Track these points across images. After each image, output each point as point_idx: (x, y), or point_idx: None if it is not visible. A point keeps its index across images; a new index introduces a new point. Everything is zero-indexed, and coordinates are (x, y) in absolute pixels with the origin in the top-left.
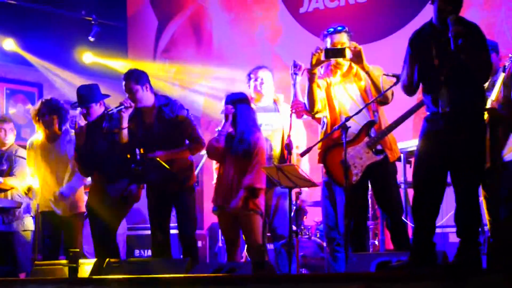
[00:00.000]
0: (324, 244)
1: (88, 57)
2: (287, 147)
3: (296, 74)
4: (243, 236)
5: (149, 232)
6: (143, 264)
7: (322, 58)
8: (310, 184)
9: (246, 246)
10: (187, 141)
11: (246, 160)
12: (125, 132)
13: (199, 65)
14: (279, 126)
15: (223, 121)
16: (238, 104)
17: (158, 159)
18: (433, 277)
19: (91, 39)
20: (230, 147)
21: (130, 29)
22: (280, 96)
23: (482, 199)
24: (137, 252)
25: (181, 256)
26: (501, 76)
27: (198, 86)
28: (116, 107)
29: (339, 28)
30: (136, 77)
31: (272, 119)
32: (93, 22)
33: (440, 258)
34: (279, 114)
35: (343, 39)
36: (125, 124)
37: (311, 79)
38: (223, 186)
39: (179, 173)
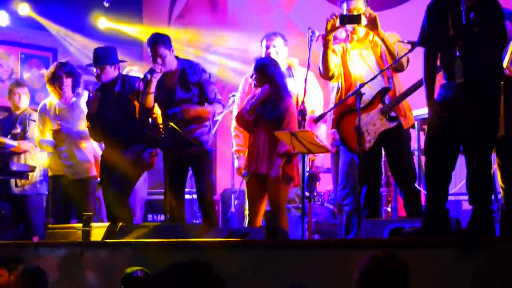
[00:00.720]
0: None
1: (103, 22)
2: (301, 113)
3: (311, 40)
4: (269, 201)
5: (161, 197)
6: (156, 229)
7: (337, 24)
8: (324, 150)
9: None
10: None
11: (278, 126)
12: (151, 96)
13: (214, 31)
14: (293, 91)
15: (253, 88)
16: (268, 70)
17: (172, 124)
18: (446, 244)
19: (106, 4)
20: (262, 114)
21: None
22: (294, 60)
23: (496, 167)
24: (150, 217)
25: (200, 221)
26: (511, 46)
27: (212, 52)
28: (148, 72)
29: None
30: (163, 41)
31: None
32: None
33: (453, 225)
34: (293, 79)
35: (359, 5)
36: (153, 88)
37: (325, 45)
38: (256, 153)
39: (198, 137)
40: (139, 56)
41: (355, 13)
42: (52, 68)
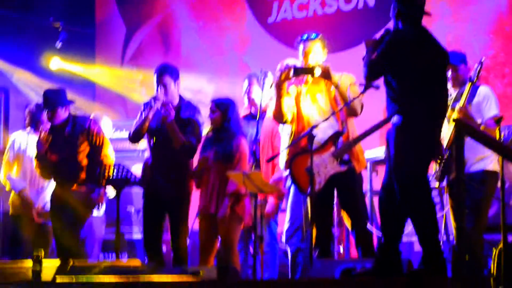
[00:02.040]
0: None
1: (55, 62)
2: (253, 154)
3: (264, 82)
4: (221, 241)
5: (113, 236)
6: (108, 268)
7: (291, 75)
8: (277, 190)
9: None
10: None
11: (229, 165)
12: (147, 123)
13: None
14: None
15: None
16: (227, 109)
17: None
18: (397, 285)
19: (59, 45)
20: (213, 152)
21: (98, 36)
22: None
23: (449, 208)
24: (101, 256)
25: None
26: (468, 85)
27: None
28: (152, 99)
29: (313, 35)
30: (171, 71)
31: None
32: (60, 28)
33: (405, 266)
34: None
35: (315, 47)
36: (151, 116)
37: (278, 93)
38: (206, 192)
39: (179, 179)
40: (92, 96)
41: (309, 59)
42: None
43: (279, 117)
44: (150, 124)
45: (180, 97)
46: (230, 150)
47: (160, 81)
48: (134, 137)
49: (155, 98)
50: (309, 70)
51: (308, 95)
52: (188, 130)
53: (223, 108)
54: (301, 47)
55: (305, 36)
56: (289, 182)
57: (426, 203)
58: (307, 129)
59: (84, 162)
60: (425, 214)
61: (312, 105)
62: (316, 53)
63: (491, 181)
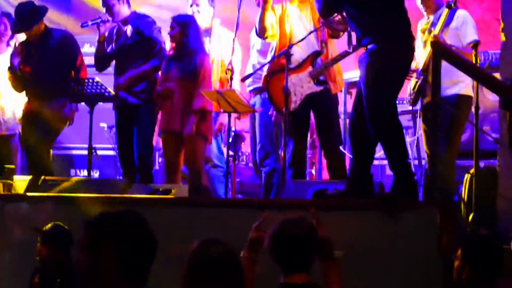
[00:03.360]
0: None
1: None
2: (229, 71)
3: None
4: (185, 159)
5: (84, 152)
6: (80, 183)
7: None
8: (251, 109)
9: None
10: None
11: (192, 82)
12: (102, 45)
13: None
14: (214, 54)
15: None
16: (186, 26)
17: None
18: (369, 207)
19: None
20: (176, 69)
21: None
22: (215, 21)
23: (422, 132)
24: (72, 171)
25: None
26: (445, 11)
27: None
28: (92, 20)
29: None
30: None
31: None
32: None
33: (376, 189)
34: (208, 39)
35: None
36: (101, 38)
37: (264, 7)
38: (169, 110)
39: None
40: (68, 9)
41: None
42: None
43: (261, 31)
44: (113, 47)
45: (133, 13)
46: (193, 67)
47: (103, 2)
48: (97, 65)
49: (99, 18)
50: None
51: (293, 13)
52: (154, 46)
53: (182, 24)
54: None
55: None
56: (256, 101)
57: (395, 126)
58: (289, 44)
59: (57, 75)
60: (394, 137)
61: (296, 24)
62: None
63: (464, 105)
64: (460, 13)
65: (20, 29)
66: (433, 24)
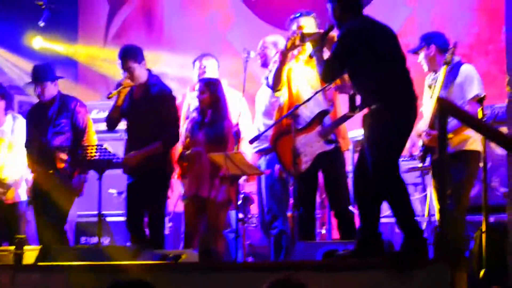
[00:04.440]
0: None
1: (38, 41)
2: (236, 134)
3: (247, 61)
4: (209, 224)
5: (95, 219)
6: (89, 251)
7: (297, 42)
8: (258, 172)
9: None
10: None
11: (221, 147)
12: (118, 109)
13: (150, 51)
14: None
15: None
16: (217, 90)
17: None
18: (379, 266)
19: (41, 23)
20: (203, 134)
21: (81, 14)
22: (223, 81)
23: (432, 189)
24: (83, 239)
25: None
26: (443, 69)
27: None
28: (114, 89)
29: (306, 12)
30: (133, 54)
31: None
32: (43, 6)
33: (386, 248)
34: None
35: (309, 23)
36: (120, 102)
37: (283, 61)
38: (197, 175)
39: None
40: (75, 76)
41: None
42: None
43: (276, 84)
44: (122, 107)
45: (149, 74)
46: (221, 132)
47: (123, 67)
48: (108, 125)
49: (119, 84)
50: (319, 34)
51: (299, 72)
52: (167, 119)
53: (212, 88)
54: (294, 24)
55: (298, 14)
56: (261, 163)
57: (398, 185)
58: (296, 104)
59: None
60: (399, 195)
61: (303, 83)
62: (311, 29)
63: (472, 160)
64: (464, 68)
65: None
66: (447, 79)
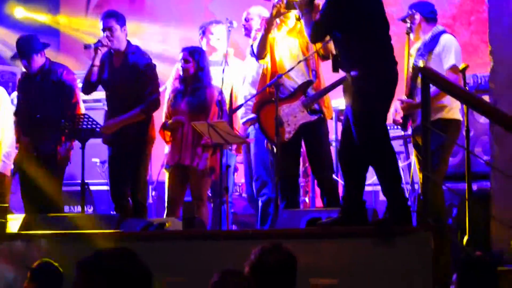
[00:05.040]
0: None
1: (19, 11)
2: (219, 103)
3: (229, 31)
4: (192, 192)
5: (78, 188)
6: (72, 220)
7: (283, 9)
8: (242, 140)
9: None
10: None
11: (203, 116)
12: (95, 70)
13: (131, 22)
14: (228, 80)
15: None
16: (201, 59)
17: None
18: (362, 234)
19: None
20: (186, 103)
21: None
22: (231, 50)
23: (413, 157)
24: (66, 208)
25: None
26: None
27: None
28: (94, 44)
29: None
30: (116, 16)
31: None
32: None
33: (370, 216)
34: (227, 67)
35: None
36: (97, 62)
37: (268, 29)
38: (179, 144)
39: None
40: (57, 46)
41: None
42: None
43: (261, 52)
44: (103, 76)
45: (130, 46)
46: (204, 100)
47: (105, 25)
48: (84, 87)
49: (99, 42)
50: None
51: (282, 41)
52: (146, 86)
53: (196, 57)
54: None
55: None
56: (252, 132)
57: (386, 151)
58: (279, 73)
59: (54, 112)
60: (386, 162)
61: (285, 52)
62: None
63: (449, 129)
64: (444, 38)
65: (20, 57)
66: (418, 50)
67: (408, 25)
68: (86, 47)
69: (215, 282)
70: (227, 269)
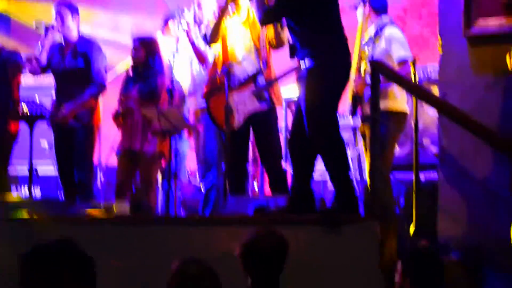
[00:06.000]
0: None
1: None
2: (169, 91)
3: (181, 19)
4: (141, 177)
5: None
6: (18, 202)
7: None
8: (191, 127)
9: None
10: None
11: (154, 103)
12: (43, 54)
13: (82, 8)
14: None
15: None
16: (151, 47)
17: None
18: (310, 222)
19: None
20: (136, 90)
21: None
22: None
23: (362, 147)
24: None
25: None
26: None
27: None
28: (45, 25)
29: None
30: (69, 5)
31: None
32: None
33: (318, 205)
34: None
35: None
36: (47, 45)
37: (222, 14)
38: (129, 130)
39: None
40: (7, 31)
41: None
42: None
43: (213, 37)
44: (52, 62)
45: (81, 36)
46: (155, 87)
47: (57, 12)
48: (33, 68)
49: (52, 27)
50: None
51: (234, 29)
52: (95, 71)
53: (147, 45)
54: None
55: None
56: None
57: (336, 141)
58: (230, 61)
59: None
60: (335, 152)
61: (237, 40)
62: None
63: (393, 121)
64: (388, 31)
65: None
66: (370, 39)
67: (358, 14)
68: (37, 26)
69: (175, 271)
70: (188, 257)
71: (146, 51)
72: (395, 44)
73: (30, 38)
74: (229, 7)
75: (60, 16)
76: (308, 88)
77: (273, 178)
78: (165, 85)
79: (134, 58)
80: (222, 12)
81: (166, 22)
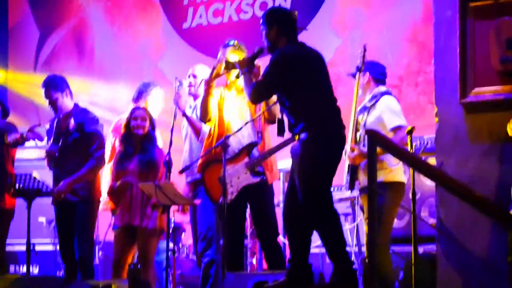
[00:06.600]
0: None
1: None
2: (167, 164)
3: (178, 90)
4: (140, 253)
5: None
6: (17, 281)
7: (222, 71)
8: (189, 202)
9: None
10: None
11: (152, 175)
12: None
13: (80, 78)
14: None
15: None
16: (152, 118)
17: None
18: None
19: None
20: (136, 162)
21: (11, 40)
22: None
23: (363, 219)
24: (12, 268)
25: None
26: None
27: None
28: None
29: (230, 42)
30: (55, 85)
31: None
32: None
33: (316, 279)
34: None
35: (237, 52)
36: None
37: (207, 91)
38: (128, 204)
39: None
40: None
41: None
42: None
43: (204, 115)
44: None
45: (76, 106)
46: (153, 158)
47: (46, 96)
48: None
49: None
50: (247, 58)
51: (231, 101)
52: (92, 146)
53: (151, 117)
54: (220, 52)
55: (232, 41)
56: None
57: (330, 215)
58: (226, 134)
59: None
60: (330, 226)
61: (233, 112)
62: (237, 57)
63: (391, 192)
64: (383, 100)
65: None
66: (365, 108)
67: (356, 83)
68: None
69: None
70: None
71: (150, 122)
72: (390, 113)
73: (27, 110)
74: (215, 82)
75: (51, 99)
76: (301, 161)
77: (269, 253)
78: (163, 157)
79: (137, 127)
80: (207, 87)
81: (139, 93)
